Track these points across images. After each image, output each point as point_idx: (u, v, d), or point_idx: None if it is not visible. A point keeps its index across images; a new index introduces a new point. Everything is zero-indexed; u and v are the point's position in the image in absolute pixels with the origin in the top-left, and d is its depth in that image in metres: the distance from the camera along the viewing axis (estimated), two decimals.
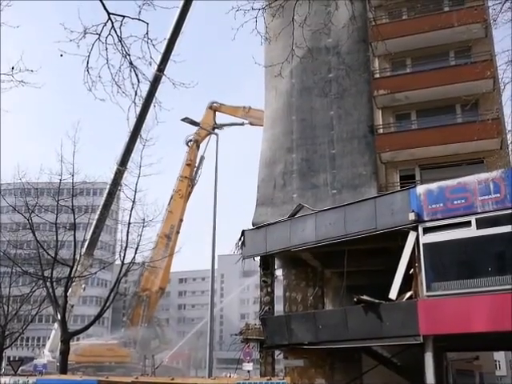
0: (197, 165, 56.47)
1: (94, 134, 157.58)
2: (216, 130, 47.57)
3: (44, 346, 58.76)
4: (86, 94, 19.80)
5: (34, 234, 24.95)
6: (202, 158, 56.31)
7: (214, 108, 54.12)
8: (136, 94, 8.48)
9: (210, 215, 26.04)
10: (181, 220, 56.22)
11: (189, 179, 55.81)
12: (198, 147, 56.26)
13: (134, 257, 25.34)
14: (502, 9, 10.18)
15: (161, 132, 68.93)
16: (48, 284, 24.36)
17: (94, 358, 55.30)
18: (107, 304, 25.38)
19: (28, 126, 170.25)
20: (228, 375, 45.74)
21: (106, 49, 8.16)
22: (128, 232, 24.49)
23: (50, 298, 24.64)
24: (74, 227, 24.62)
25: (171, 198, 55.26)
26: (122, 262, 24.82)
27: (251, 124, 51.03)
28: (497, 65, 14.19)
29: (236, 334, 24.01)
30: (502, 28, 10.63)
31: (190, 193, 56.78)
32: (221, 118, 54.35)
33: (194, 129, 49.70)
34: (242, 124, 52.41)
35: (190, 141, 55.73)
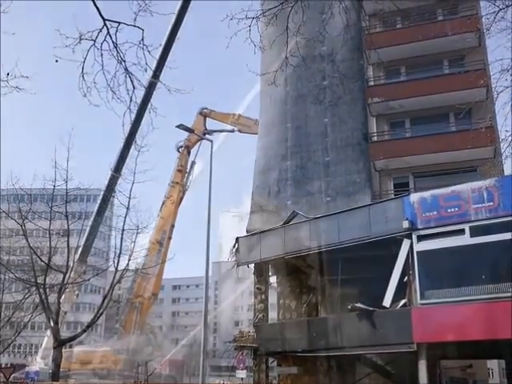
0: (188, 170, 56.42)
1: (89, 140, 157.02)
2: (207, 136, 47.36)
3: (36, 353, 58.29)
4: (81, 100, 19.76)
5: (28, 240, 24.81)
6: (193, 163, 56.24)
7: (204, 114, 53.97)
8: (131, 100, 8.46)
9: (204, 221, 25.94)
10: (172, 226, 56.11)
11: (180, 185, 55.69)
12: (188, 153, 56.13)
13: (128, 263, 25.31)
14: (495, 18, 10.23)
15: (157, 138, 68.41)
16: (41, 290, 24.21)
17: (86, 365, 54.85)
18: (100, 311, 25.25)
19: (21, 131, 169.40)
20: (221, 382, 45.63)
21: (102, 55, 8.14)
22: (122, 239, 24.45)
23: (43, 305, 24.46)
24: (67, 233, 24.55)
25: (163, 204, 55.14)
26: (116, 269, 24.73)
27: (240, 131, 51.01)
28: (490, 74, 14.26)
29: (230, 342, 23.93)
30: (496, 37, 10.69)
31: (181, 198, 56.69)
32: (212, 124, 54.19)
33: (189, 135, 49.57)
34: (233, 131, 52.32)
35: (181, 147, 55.65)
